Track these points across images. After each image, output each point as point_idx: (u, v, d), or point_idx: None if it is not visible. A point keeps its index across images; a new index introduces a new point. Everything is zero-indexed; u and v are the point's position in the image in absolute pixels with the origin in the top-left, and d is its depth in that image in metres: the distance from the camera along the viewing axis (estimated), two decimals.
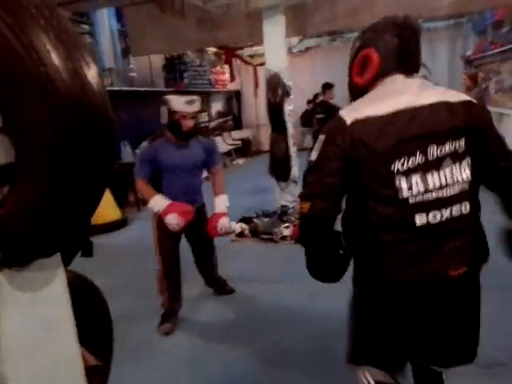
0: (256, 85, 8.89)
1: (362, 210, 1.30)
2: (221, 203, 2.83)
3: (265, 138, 9.74)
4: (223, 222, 2.77)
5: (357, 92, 1.38)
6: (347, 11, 5.29)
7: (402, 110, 1.23)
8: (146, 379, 2.36)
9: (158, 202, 2.57)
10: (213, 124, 10.30)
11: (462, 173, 1.25)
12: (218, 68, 10.47)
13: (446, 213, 1.24)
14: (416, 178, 1.23)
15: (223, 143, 10.37)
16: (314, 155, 1.31)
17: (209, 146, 2.86)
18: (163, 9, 5.43)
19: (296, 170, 4.64)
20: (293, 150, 4.55)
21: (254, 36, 5.71)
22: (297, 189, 4.83)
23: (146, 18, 5.69)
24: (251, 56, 10.95)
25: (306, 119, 7.56)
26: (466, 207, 1.26)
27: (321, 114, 6.41)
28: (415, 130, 1.22)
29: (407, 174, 1.23)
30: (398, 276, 1.28)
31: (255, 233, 4.28)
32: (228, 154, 10.31)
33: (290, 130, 4.55)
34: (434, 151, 1.23)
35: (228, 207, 2.86)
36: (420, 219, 1.24)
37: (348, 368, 1.53)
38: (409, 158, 1.22)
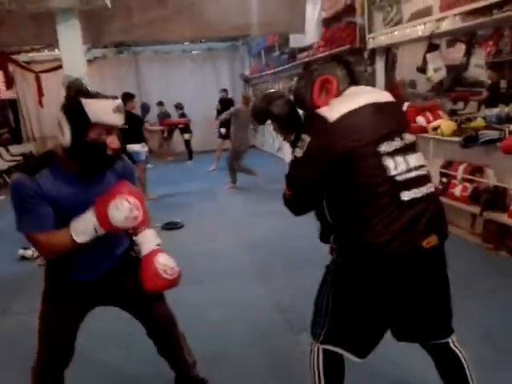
0: (40, 94, 8.01)
1: (351, 194, 1.44)
2: (146, 241, 1.67)
3: None
4: (163, 261, 1.63)
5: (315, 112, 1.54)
6: (143, 22, 5.35)
7: (370, 104, 1.48)
8: None
9: (81, 221, 1.53)
10: None
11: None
12: None
13: (423, 188, 1.46)
14: (399, 159, 1.44)
15: (0, 159, 8.99)
16: (298, 152, 1.48)
17: (126, 171, 1.76)
18: None
19: None
20: None
21: (42, 38, 5.21)
22: None
23: None
24: (27, 62, 9.84)
25: None
26: (431, 187, 1.51)
27: (124, 124, 6.25)
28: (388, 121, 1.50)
29: (392, 154, 1.43)
30: (390, 247, 1.40)
31: None
32: (7, 171, 8.97)
33: None
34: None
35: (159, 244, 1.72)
36: (405, 195, 1.41)
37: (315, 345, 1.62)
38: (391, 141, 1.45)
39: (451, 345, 1.62)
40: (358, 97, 1.52)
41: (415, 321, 1.59)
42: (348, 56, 5.81)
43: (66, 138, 1.49)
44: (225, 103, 8.99)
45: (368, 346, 1.58)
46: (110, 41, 7.29)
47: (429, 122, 4.22)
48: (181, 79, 11.38)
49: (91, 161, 1.55)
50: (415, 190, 1.44)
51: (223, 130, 8.15)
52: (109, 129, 1.53)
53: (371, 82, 5.35)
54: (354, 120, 1.45)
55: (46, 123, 10.80)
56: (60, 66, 4.60)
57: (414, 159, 1.48)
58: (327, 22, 6.13)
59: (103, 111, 1.50)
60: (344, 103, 1.50)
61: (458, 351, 1.62)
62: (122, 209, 1.52)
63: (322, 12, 5.94)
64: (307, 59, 6.95)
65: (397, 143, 1.46)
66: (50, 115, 10.30)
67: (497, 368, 2.16)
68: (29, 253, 4.03)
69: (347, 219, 1.49)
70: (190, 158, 10.24)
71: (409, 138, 1.51)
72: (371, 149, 1.42)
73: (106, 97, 1.55)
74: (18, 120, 10.77)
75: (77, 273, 1.70)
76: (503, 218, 3.53)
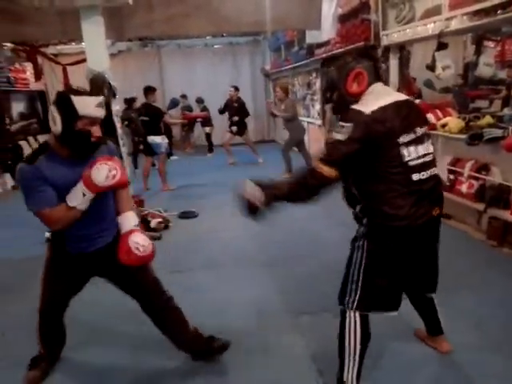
0: (66, 85, 8.32)
1: (377, 175, 1.80)
2: (126, 222, 2.01)
3: None
4: (136, 239, 1.93)
5: (350, 99, 1.88)
6: (164, 18, 5.53)
7: (394, 103, 1.80)
8: None
9: (73, 190, 1.85)
10: (15, 127, 9.21)
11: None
12: (17, 65, 9.42)
13: (429, 171, 1.84)
14: (411, 148, 1.79)
15: (29, 148, 9.38)
16: (342, 137, 1.75)
17: (109, 151, 2.07)
18: None
19: (128, 171, 4.66)
20: (123, 150, 4.55)
21: (68, 33, 5.47)
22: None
23: None
24: (55, 55, 10.20)
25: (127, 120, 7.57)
26: (435, 170, 1.88)
27: (145, 116, 6.51)
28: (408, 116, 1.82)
29: (407, 145, 1.78)
30: (411, 219, 1.79)
31: None
32: None
33: (119, 130, 4.55)
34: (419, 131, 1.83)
35: (137, 226, 2.04)
36: (415, 176, 1.79)
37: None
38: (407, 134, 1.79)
39: (434, 301, 2.18)
40: (385, 96, 1.86)
41: (422, 275, 2.07)
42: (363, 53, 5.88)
43: (58, 126, 1.81)
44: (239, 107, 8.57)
45: (398, 299, 1.95)
46: (131, 36, 7.52)
47: (438, 119, 4.28)
48: (202, 73, 11.59)
49: (79, 146, 1.88)
50: (423, 173, 1.81)
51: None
52: (92, 120, 1.86)
53: (385, 79, 5.42)
54: (383, 115, 1.77)
55: None
56: (85, 59, 4.83)
57: (422, 148, 1.83)
58: (343, 19, 6.18)
59: (88, 106, 1.83)
60: (374, 100, 1.82)
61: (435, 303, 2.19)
62: (102, 169, 1.83)
63: (338, 8, 6.00)
64: (324, 55, 7.02)
65: (411, 136, 1.80)
66: None
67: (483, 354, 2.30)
68: None
69: (370, 194, 1.86)
70: (211, 150, 10.46)
71: (420, 131, 1.84)
72: (394, 139, 1.77)
73: (90, 94, 1.89)
74: (46, 111, 11.15)
75: (76, 246, 2.03)
76: (506, 215, 3.58)
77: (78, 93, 1.84)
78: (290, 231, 4.41)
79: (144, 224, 4.71)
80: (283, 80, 10.38)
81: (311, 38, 6.84)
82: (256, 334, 2.62)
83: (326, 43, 6.71)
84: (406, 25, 4.53)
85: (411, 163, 1.79)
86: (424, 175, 1.81)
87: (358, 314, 1.89)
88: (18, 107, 9.78)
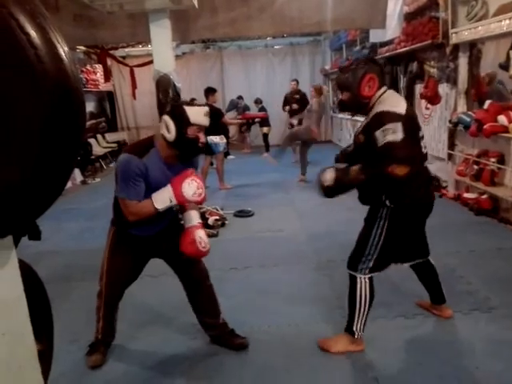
0: (134, 86, 8.74)
1: None
2: (193, 217, 2.28)
3: None
4: (201, 234, 2.21)
5: (364, 101, 2.17)
6: (227, 20, 5.64)
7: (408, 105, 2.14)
8: None
9: (161, 193, 2.06)
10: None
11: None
12: (89, 67, 10.03)
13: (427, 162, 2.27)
14: (421, 141, 2.18)
15: (97, 146, 9.95)
16: (397, 136, 1.95)
17: (194, 162, 2.33)
18: None
19: None
20: None
21: (137, 36, 5.75)
22: None
23: None
24: (123, 57, 10.74)
25: None
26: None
27: None
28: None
29: (422, 138, 2.19)
30: (426, 198, 2.25)
31: None
32: (103, 157, 9.92)
33: None
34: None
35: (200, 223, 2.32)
36: (426, 163, 2.25)
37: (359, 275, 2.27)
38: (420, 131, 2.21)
39: (431, 261, 2.57)
40: (399, 98, 2.24)
41: (423, 243, 2.49)
42: (430, 51, 5.66)
43: (172, 133, 2.04)
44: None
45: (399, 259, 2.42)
46: (195, 38, 7.74)
47: (511, 121, 4.02)
48: (262, 73, 11.68)
49: (189, 150, 2.12)
50: (428, 162, 2.28)
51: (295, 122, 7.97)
52: (200, 128, 2.09)
53: (453, 79, 5.18)
54: (412, 113, 2.15)
55: (139, 114, 11.60)
56: (151, 61, 5.04)
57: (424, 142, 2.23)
58: (409, 17, 5.97)
59: (198, 115, 2.07)
60: (400, 102, 2.13)
61: (433, 264, 2.57)
62: (193, 186, 2.04)
63: (405, 6, 5.81)
64: (387, 54, 6.83)
65: (421, 133, 2.21)
66: (142, 107, 11.13)
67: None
68: None
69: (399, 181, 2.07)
70: (267, 150, 10.51)
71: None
72: (418, 133, 2.17)
73: (199, 105, 2.17)
74: (113, 110, 11.77)
75: (136, 229, 2.23)
76: None
77: (190, 104, 2.15)
78: (350, 233, 4.33)
79: (202, 221, 4.84)
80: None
81: (375, 36, 6.68)
82: (306, 336, 2.60)
83: (390, 42, 6.52)
84: (478, 22, 4.30)
85: (424, 152, 2.20)
86: (427, 163, 2.27)
87: (367, 278, 2.26)
88: (88, 107, 10.39)
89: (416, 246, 2.47)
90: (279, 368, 2.33)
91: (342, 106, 2.40)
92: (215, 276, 3.56)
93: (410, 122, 2.03)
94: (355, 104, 2.21)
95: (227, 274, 3.56)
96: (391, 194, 2.16)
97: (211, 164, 7.23)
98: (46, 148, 1.08)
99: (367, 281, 2.26)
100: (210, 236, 4.65)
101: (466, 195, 4.99)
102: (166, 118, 2.07)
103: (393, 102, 2.09)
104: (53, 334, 1.64)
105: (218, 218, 4.94)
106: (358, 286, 2.26)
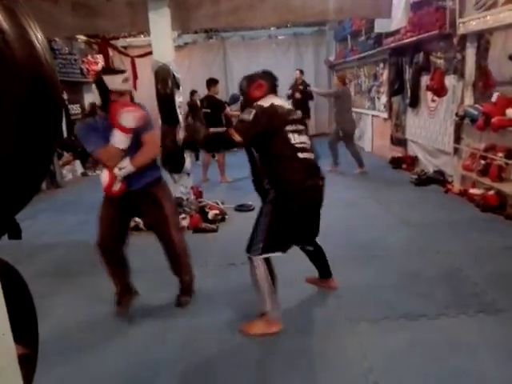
0: (135, 77, 8.60)
1: (276, 152, 2.47)
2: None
3: None
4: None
5: (251, 100, 2.58)
6: (229, 9, 5.51)
7: (281, 105, 2.56)
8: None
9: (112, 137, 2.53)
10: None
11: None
12: (90, 57, 9.90)
13: (309, 154, 2.53)
14: (295, 135, 2.49)
15: None
16: (248, 117, 2.40)
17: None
18: None
19: (189, 162, 4.71)
20: None
21: (136, 25, 5.61)
22: (190, 181, 4.89)
23: None
24: (125, 47, 10.59)
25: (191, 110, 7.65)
26: (312, 154, 2.58)
27: (207, 108, 6.55)
28: (291, 115, 2.56)
29: (293, 132, 2.49)
30: (302, 184, 2.47)
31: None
32: None
33: (182, 121, 4.59)
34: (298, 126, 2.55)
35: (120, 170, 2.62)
36: (300, 155, 2.47)
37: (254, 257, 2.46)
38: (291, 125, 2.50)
39: (317, 243, 2.91)
40: (273, 100, 2.57)
41: (311, 229, 2.78)
42: (436, 42, 5.51)
43: (98, 100, 2.49)
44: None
45: (290, 245, 2.61)
46: (196, 27, 7.57)
47: None
48: (265, 64, 11.32)
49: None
50: (305, 154, 2.51)
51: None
52: (121, 93, 2.48)
53: (460, 70, 5.04)
54: (277, 109, 2.50)
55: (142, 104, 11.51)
56: (152, 52, 4.93)
57: (304, 138, 2.55)
58: (416, 6, 5.80)
59: (114, 82, 2.46)
60: (269, 101, 2.53)
61: (319, 245, 2.94)
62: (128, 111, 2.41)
63: None
64: (393, 44, 6.67)
65: (295, 127, 2.51)
66: (143, 97, 10.97)
67: None
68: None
69: (274, 168, 2.51)
70: None
71: (300, 126, 2.58)
72: (283, 127, 2.47)
73: (116, 72, 2.62)
74: None
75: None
76: None
77: (108, 72, 2.60)
78: (349, 228, 4.25)
79: (202, 215, 4.75)
80: (348, 71, 10.05)
81: (380, 27, 6.50)
82: (310, 338, 2.53)
83: (396, 32, 6.36)
84: (487, 11, 4.15)
85: (297, 145, 2.47)
86: (306, 156, 2.51)
87: (262, 259, 2.46)
88: (89, 97, 10.28)
89: (308, 230, 2.75)
90: (273, 370, 2.25)
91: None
92: (214, 271, 3.52)
93: (269, 114, 2.44)
94: (246, 102, 2.65)
95: (226, 269, 3.48)
96: (273, 181, 2.52)
97: (213, 156, 7.13)
98: (19, 139, 1.01)
99: (262, 261, 2.46)
100: (209, 231, 4.57)
101: (472, 191, 4.87)
102: (93, 87, 2.51)
103: (265, 100, 2.54)
104: (37, 336, 1.56)
105: (217, 212, 4.86)
106: (254, 266, 2.48)
